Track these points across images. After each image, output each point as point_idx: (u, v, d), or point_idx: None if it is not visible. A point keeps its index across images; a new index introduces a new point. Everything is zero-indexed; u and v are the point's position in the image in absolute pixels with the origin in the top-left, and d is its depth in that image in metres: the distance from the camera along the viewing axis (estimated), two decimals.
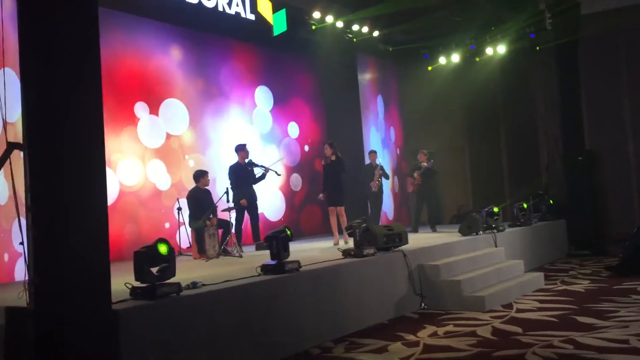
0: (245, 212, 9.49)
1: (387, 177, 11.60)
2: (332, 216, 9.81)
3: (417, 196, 11.71)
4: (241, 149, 9.60)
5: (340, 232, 9.25)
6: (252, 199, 9.52)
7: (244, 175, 9.45)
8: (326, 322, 6.03)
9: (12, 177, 4.23)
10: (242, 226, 9.45)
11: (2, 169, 4.20)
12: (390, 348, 5.60)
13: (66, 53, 4.08)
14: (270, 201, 11.77)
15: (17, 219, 4.23)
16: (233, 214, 9.12)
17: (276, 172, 9.63)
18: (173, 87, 10.18)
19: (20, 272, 6.55)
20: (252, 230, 9.55)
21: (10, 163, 4.04)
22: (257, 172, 9.58)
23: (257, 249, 9.24)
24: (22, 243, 4.10)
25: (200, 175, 8.96)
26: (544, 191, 13.25)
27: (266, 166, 9.59)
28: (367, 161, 12.11)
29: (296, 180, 12.54)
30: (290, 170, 12.44)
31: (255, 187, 9.66)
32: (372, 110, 14.41)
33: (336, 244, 9.32)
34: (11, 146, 3.94)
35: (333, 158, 9.67)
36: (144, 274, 4.57)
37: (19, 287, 4.47)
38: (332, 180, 9.68)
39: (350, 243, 8.09)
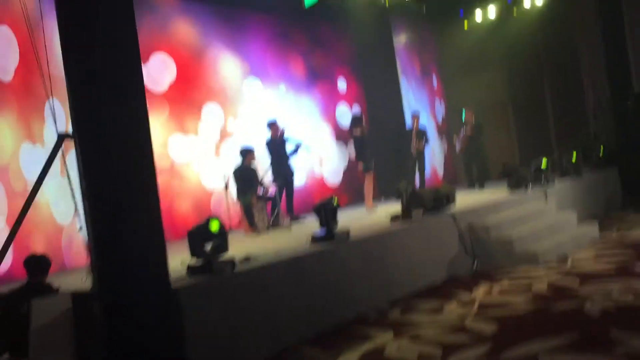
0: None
1: (426, 141, 11.49)
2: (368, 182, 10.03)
3: (466, 156, 11.76)
4: (271, 125, 9.60)
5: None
6: (289, 173, 9.55)
7: (277, 151, 9.46)
8: (380, 286, 6.07)
9: (66, 165, 4.37)
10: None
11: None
12: (446, 308, 5.62)
13: (107, 40, 4.16)
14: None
15: (75, 208, 4.36)
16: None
17: (307, 148, 9.62)
18: (210, 68, 10.24)
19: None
20: (287, 204, 9.47)
21: (62, 153, 4.16)
22: (289, 147, 9.62)
23: (293, 220, 9.26)
24: (81, 229, 4.24)
25: (247, 153, 9.06)
26: (593, 139, 12.88)
27: (298, 142, 9.60)
28: (409, 125, 12.00)
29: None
30: None
31: (292, 161, 9.74)
32: (411, 72, 14.22)
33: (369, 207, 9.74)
34: (61, 137, 4.05)
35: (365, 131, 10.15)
36: (199, 251, 4.68)
37: (81, 272, 4.64)
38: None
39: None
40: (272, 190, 9.18)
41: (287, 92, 11.58)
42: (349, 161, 12.29)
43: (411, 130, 11.45)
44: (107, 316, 4.08)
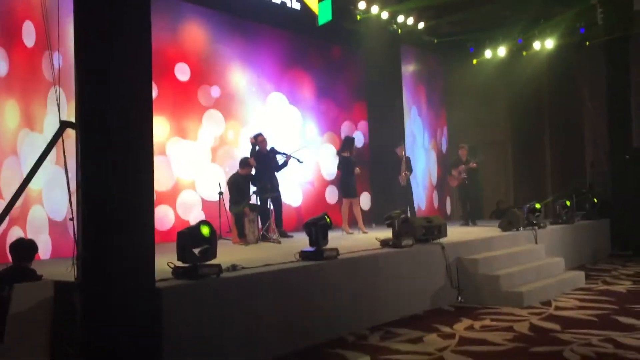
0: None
1: (410, 171, 11.46)
2: (348, 206, 10.08)
3: (461, 192, 11.81)
4: (256, 138, 9.58)
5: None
6: (274, 187, 9.50)
7: (263, 163, 9.42)
8: (362, 310, 6.07)
9: (64, 154, 4.37)
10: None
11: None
12: (426, 339, 5.61)
13: (120, 35, 4.20)
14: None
15: (68, 195, 4.36)
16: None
17: (298, 160, 9.60)
18: (219, 76, 10.30)
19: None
20: (275, 219, 9.38)
21: (62, 141, 4.18)
22: (280, 159, 9.61)
23: (281, 236, 9.18)
24: (72, 219, 4.24)
25: (245, 163, 9.06)
26: (588, 189, 12.97)
27: (288, 153, 9.59)
28: (407, 152, 12.00)
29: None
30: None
31: (279, 175, 9.74)
32: (415, 102, 14.32)
33: (349, 232, 9.82)
34: (64, 125, 4.07)
35: (354, 153, 10.22)
36: (186, 254, 4.68)
37: (68, 262, 4.63)
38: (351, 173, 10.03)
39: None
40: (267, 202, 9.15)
41: (291, 108, 11.64)
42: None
43: (398, 159, 11.39)
44: (86, 308, 4.06)
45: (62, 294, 4.53)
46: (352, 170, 9.97)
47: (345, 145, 10.19)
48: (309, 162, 11.34)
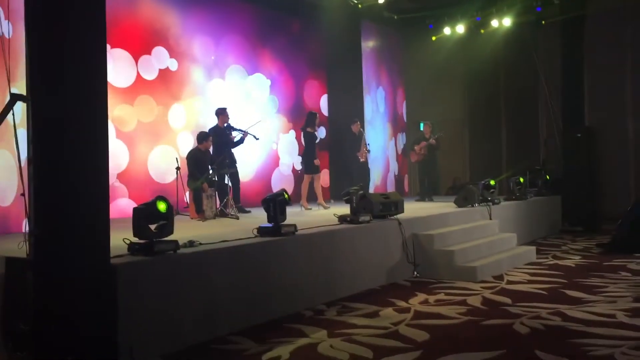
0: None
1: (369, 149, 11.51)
2: (310, 182, 10.18)
3: (420, 168, 11.98)
4: (221, 113, 9.56)
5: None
6: (232, 163, 9.46)
7: (223, 140, 9.37)
8: (320, 285, 6.13)
9: (15, 128, 4.25)
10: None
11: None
12: (382, 313, 5.71)
13: (72, 7, 4.08)
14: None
15: (18, 170, 4.25)
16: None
17: (254, 136, 9.54)
18: (172, 49, 10.11)
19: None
20: (233, 195, 9.35)
21: (13, 114, 4.05)
22: (236, 135, 9.56)
23: (239, 212, 9.16)
24: (23, 194, 4.14)
25: (204, 138, 8.97)
26: (541, 166, 13.30)
27: (244, 130, 9.52)
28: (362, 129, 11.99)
29: None
30: None
31: (235, 150, 9.70)
32: (375, 79, 14.36)
33: (308, 208, 9.94)
34: (14, 97, 3.94)
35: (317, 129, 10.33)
36: (142, 230, 4.63)
37: (19, 237, 4.53)
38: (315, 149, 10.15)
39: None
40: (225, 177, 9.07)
41: (249, 81, 11.53)
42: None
43: (355, 135, 11.37)
44: (39, 286, 3.99)
45: (14, 270, 4.44)
46: (315, 146, 9.98)
47: (309, 121, 10.17)
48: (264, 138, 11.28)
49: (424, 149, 11.69)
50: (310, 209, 9.89)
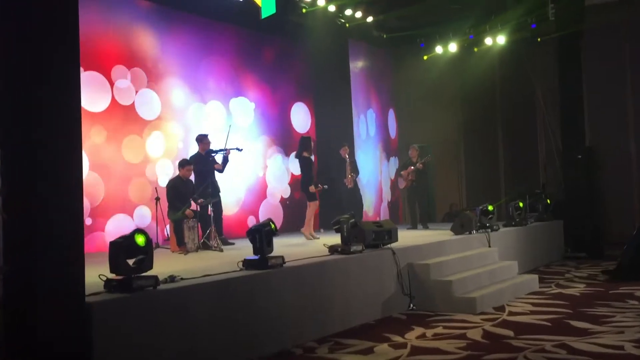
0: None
1: (356, 173, 11.57)
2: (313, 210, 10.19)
3: (410, 194, 11.99)
4: (202, 140, 9.55)
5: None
6: (215, 191, 9.40)
7: (206, 167, 9.33)
8: (310, 320, 6.10)
9: None
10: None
11: None
12: (377, 349, 5.67)
13: (48, 33, 4.12)
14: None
15: None
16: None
17: (237, 149, 9.50)
18: (154, 71, 10.17)
19: None
20: (215, 225, 9.13)
21: None
22: (219, 157, 9.55)
23: (223, 244, 9.09)
24: None
25: (183, 165, 8.96)
26: (542, 190, 13.37)
27: (225, 148, 9.50)
28: (356, 153, 12.08)
29: None
30: None
31: (223, 176, 9.73)
32: (364, 100, 14.46)
33: (315, 238, 9.92)
34: None
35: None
36: (120, 265, 4.60)
37: None
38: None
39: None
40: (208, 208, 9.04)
41: (232, 106, 11.59)
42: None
43: (341, 161, 11.44)
44: (9, 327, 3.94)
45: None
46: (312, 171, 10.03)
47: (304, 146, 10.18)
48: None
49: (412, 174, 11.65)
50: (318, 238, 9.85)
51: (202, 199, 8.86)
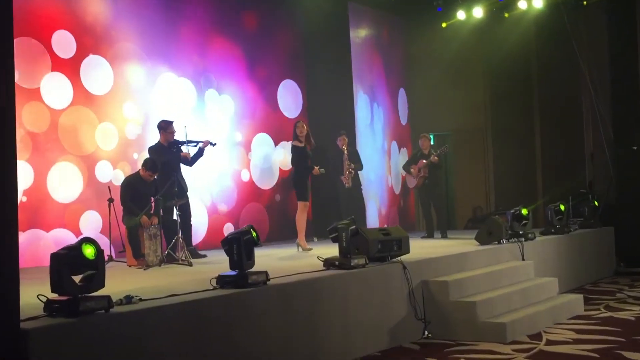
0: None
1: (359, 168, 11.61)
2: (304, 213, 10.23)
3: (422, 195, 11.93)
4: (165, 128, 9.48)
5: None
6: (182, 191, 9.32)
7: (168, 160, 9.30)
8: (299, 352, 6.10)
9: None
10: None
11: None
12: None
13: None
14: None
15: None
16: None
17: (210, 143, 9.65)
18: (106, 39, 10.19)
19: None
20: (183, 233, 9.07)
21: None
22: (191, 149, 9.62)
23: (192, 256, 9.07)
24: None
25: (147, 168, 8.87)
26: (588, 189, 13.38)
27: (200, 140, 9.58)
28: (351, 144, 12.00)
29: None
30: None
31: (191, 171, 9.81)
32: (367, 77, 14.46)
33: (307, 249, 9.93)
34: None
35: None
36: (63, 283, 4.60)
37: None
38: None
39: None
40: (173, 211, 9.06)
41: (212, 88, 11.61)
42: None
43: (338, 153, 11.48)
44: None
45: None
46: (307, 164, 10.06)
47: (294, 132, 10.18)
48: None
49: (424, 170, 11.60)
50: (311, 249, 9.85)
51: (170, 201, 8.86)
